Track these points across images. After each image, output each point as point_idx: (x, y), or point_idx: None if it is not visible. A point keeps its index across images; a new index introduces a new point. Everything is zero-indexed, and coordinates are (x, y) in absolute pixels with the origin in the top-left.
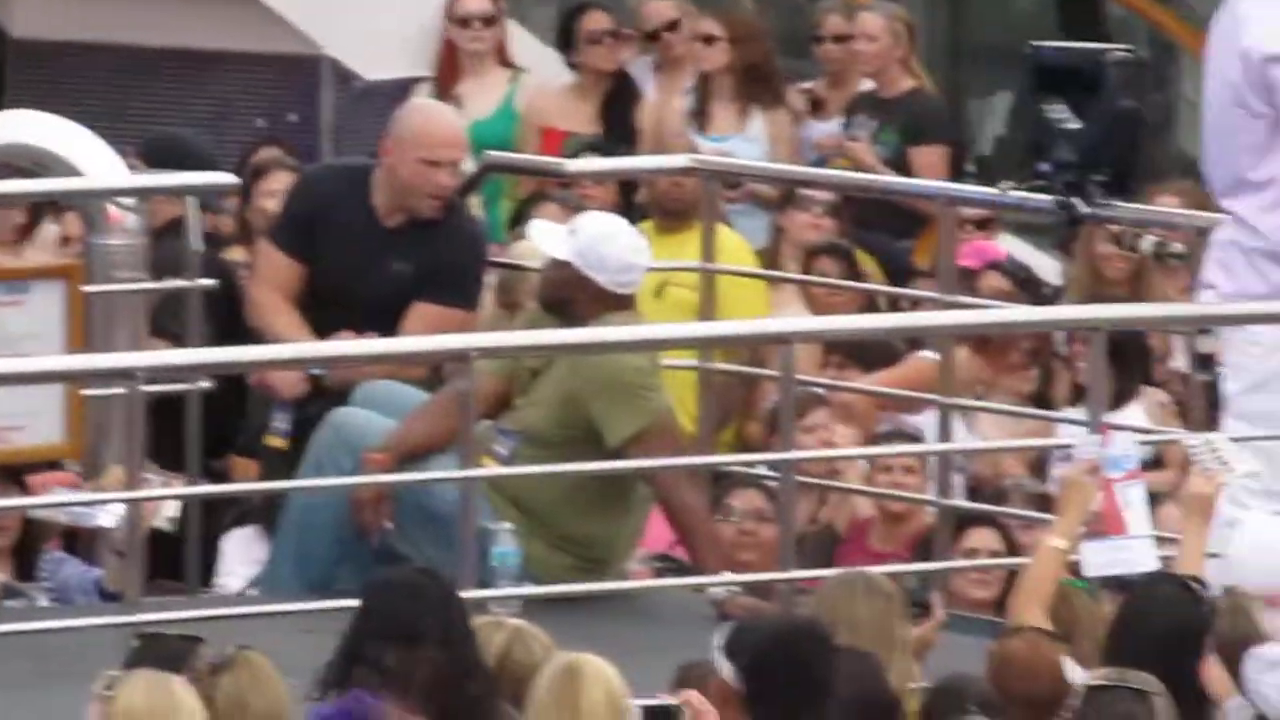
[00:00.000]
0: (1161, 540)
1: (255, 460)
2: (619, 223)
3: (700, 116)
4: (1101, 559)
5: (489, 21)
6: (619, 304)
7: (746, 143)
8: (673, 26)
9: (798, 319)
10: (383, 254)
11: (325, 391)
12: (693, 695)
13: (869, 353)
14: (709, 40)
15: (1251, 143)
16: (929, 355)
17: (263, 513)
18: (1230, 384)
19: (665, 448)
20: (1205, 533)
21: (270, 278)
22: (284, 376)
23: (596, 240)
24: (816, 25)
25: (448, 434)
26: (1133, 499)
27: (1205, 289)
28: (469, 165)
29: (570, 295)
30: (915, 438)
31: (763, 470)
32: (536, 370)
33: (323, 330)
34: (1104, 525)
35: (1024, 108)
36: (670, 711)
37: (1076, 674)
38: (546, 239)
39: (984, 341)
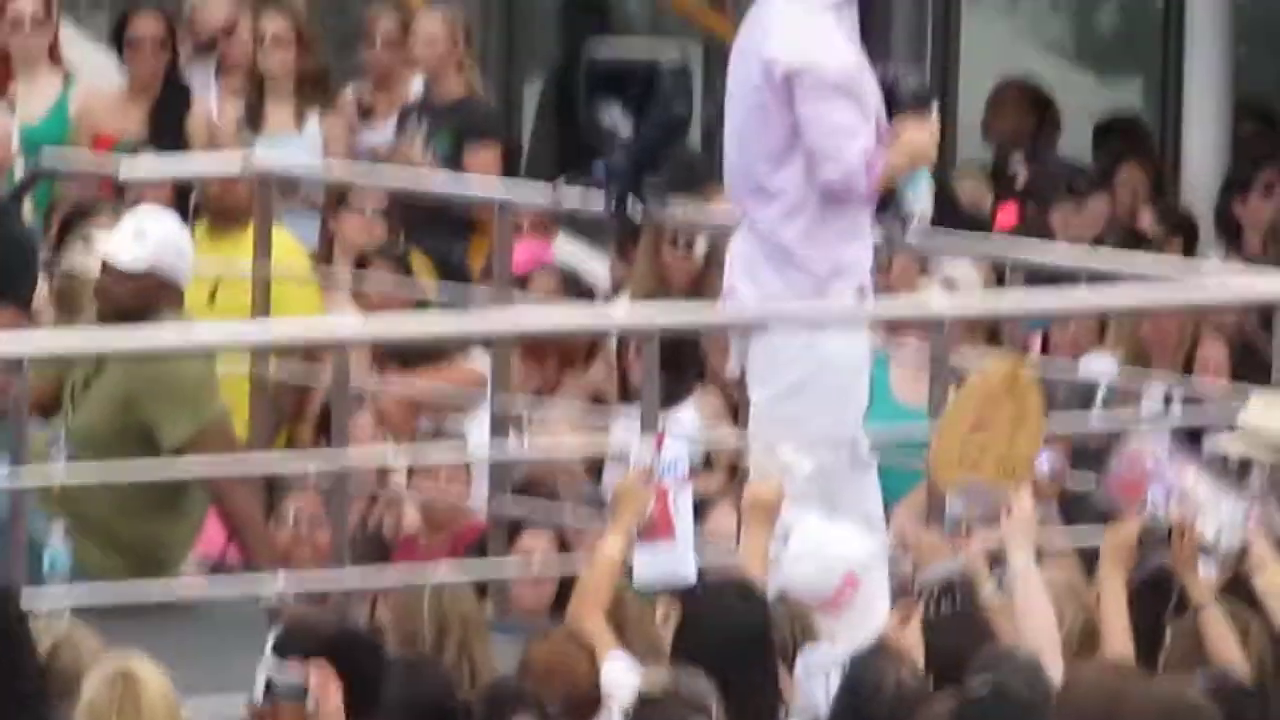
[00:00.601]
0: (719, 544)
1: None
2: (173, 217)
3: (255, 118)
4: (651, 566)
5: (40, 23)
6: (182, 301)
7: (302, 145)
8: (229, 30)
9: (351, 321)
10: None
11: None
12: None
13: (410, 354)
14: (267, 40)
15: (769, 149)
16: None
17: None
18: (757, 391)
19: (221, 451)
20: (766, 536)
21: None
22: None
23: (170, 239)
24: (368, 26)
25: None
26: (681, 506)
27: (729, 294)
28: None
29: (151, 302)
30: (457, 438)
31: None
32: (89, 375)
33: None
34: (655, 531)
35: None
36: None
37: (626, 675)
38: (116, 249)
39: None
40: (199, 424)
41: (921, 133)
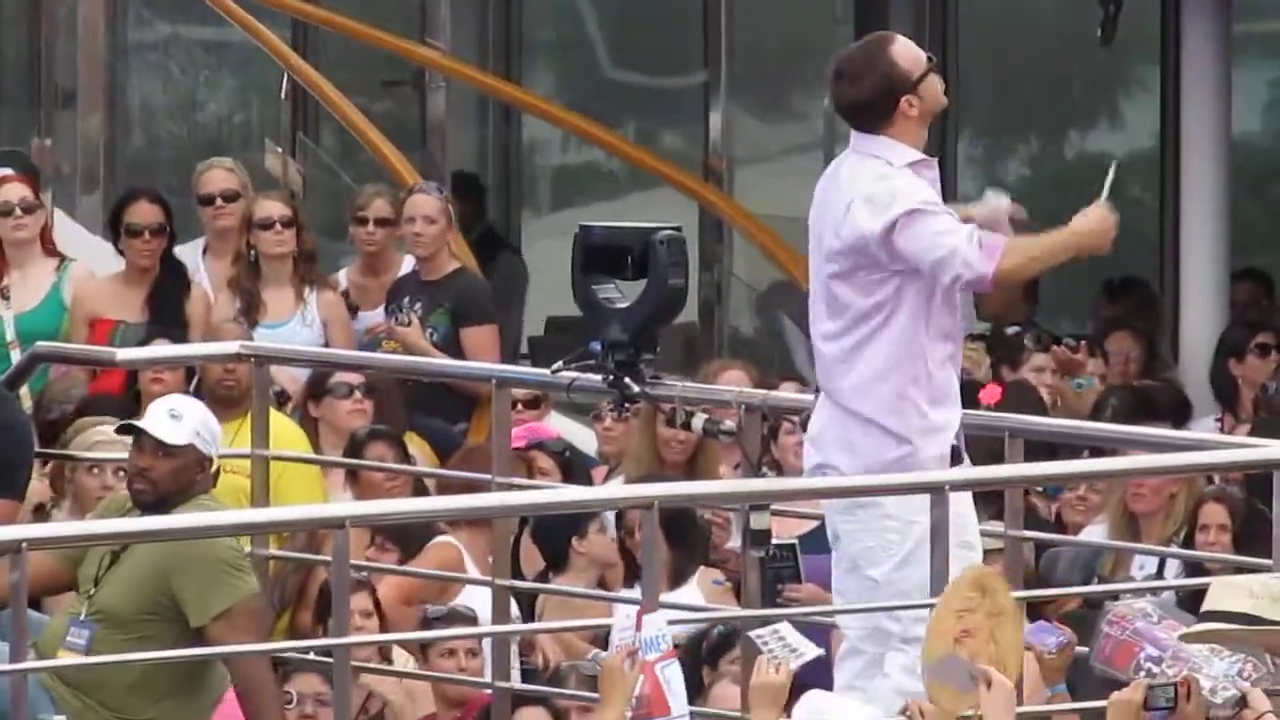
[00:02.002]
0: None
1: None
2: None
3: (253, 304)
4: None
5: (29, 209)
6: (212, 479)
7: (305, 327)
8: (231, 197)
9: (352, 504)
10: None
11: None
12: None
13: (407, 536)
14: (267, 225)
15: (851, 319)
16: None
17: None
18: (874, 570)
19: (251, 629)
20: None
21: None
22: None
23: (204, 417)
24: (360, 208)
25: None
26: (671, 678)
27: (825, 469)
28: (17, 355)
29: (190, 480)
30: (470, 619)
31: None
32: (117, 553)
33: None
34: (650, 708)
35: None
36: None
37: None
38: (157, 428)
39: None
40: (232, 600)
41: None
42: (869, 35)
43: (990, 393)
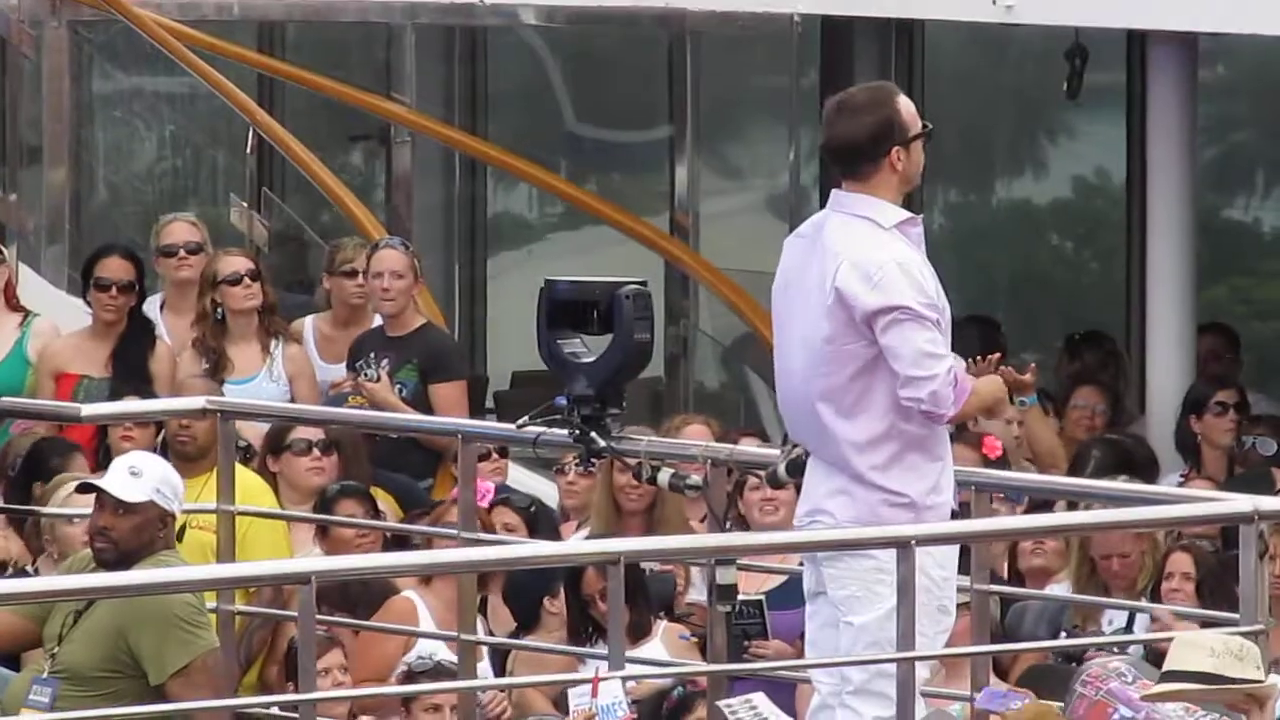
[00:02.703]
0: None
1: None
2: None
3: (219, 361)
4: None
5: None
6: (174, 534)
7: (271, 382)
8: (195, 249)
9: (318, 559)
10: None
11: None
12: None
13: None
14: (234, 281)
15: (839, 383)
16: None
17: None
18: (855, 617)
19: (208, 685)
20: None
21: None
22: None
23: (166, 472)
24: (347, 260)
25: None
26: None
27: (816, 517)
28: None
29: (151, 536)
30: (453, 673)
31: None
32: (80, 611)
33: None
34: None
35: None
36: None
37: None
38: (117, 487)
39: None
40: (189, 656)
41: (997, 381)
42: (874, 82)
43: (992, 445)
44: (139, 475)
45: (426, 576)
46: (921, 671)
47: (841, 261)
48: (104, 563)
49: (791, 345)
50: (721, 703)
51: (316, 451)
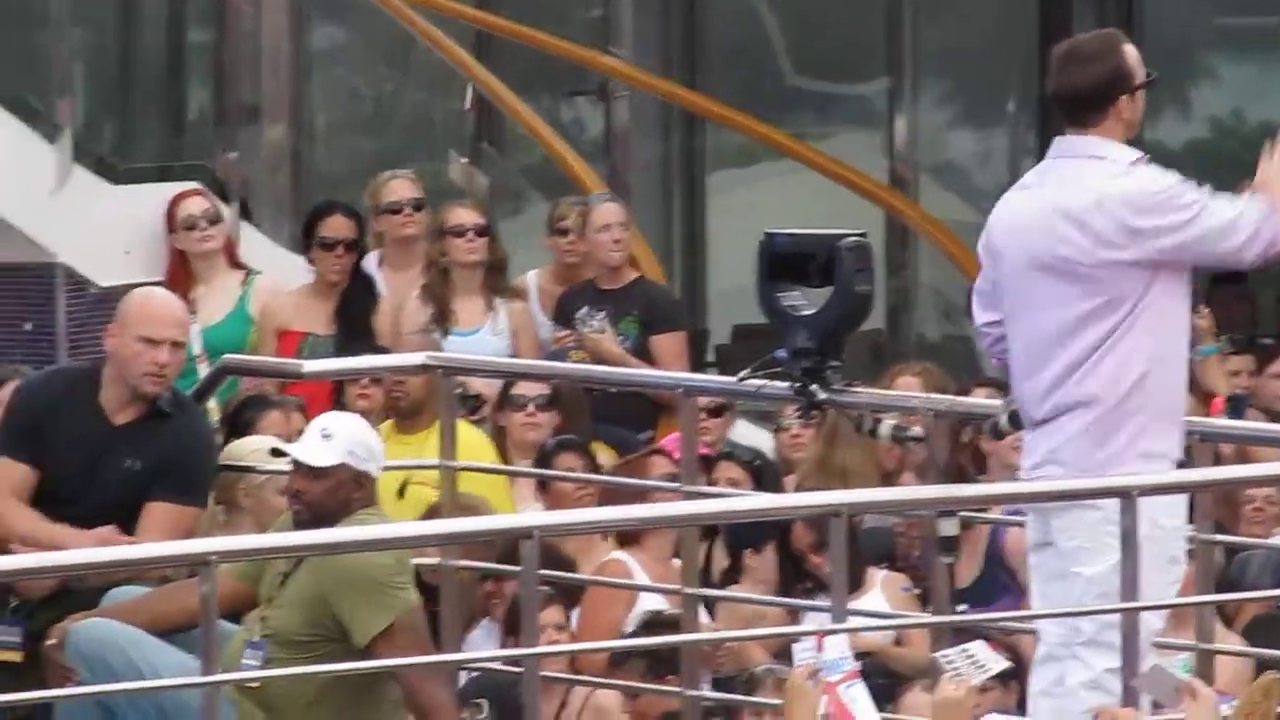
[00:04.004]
0: None
1: None
2: (351, 414)
3: (443, 313)
4: None
5: (213, 221)
6: (375, 494)
7: (494, 336)
8: (418, 206)
9: (541, 514)
10: (113, 452)
11: (71, 594)
12: None
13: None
14: (459, 233)
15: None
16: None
17: None
18: (1084, 568)
19: (413, 644)
20: None
21: (7, 487)
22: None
23: (357, 434)
24: (560, 219)
25: (180, 614)
26: (857, 697)
27: (1042, 469)
28: (205, 368)
29: (346, 498)
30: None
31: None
32: (286, 574)
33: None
34: None
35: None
36: None
37: None
38: (306, 453)
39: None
40: (389, 617)
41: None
42: (1099, 30)
43: (1218, 406)
44: (330, 438)
45: (634, 535)
46: (1155, 623)
47: (1100, 198)
48: (300, 525)
49: (1026, 294)
50: (938, 653)
51: (532, 407)
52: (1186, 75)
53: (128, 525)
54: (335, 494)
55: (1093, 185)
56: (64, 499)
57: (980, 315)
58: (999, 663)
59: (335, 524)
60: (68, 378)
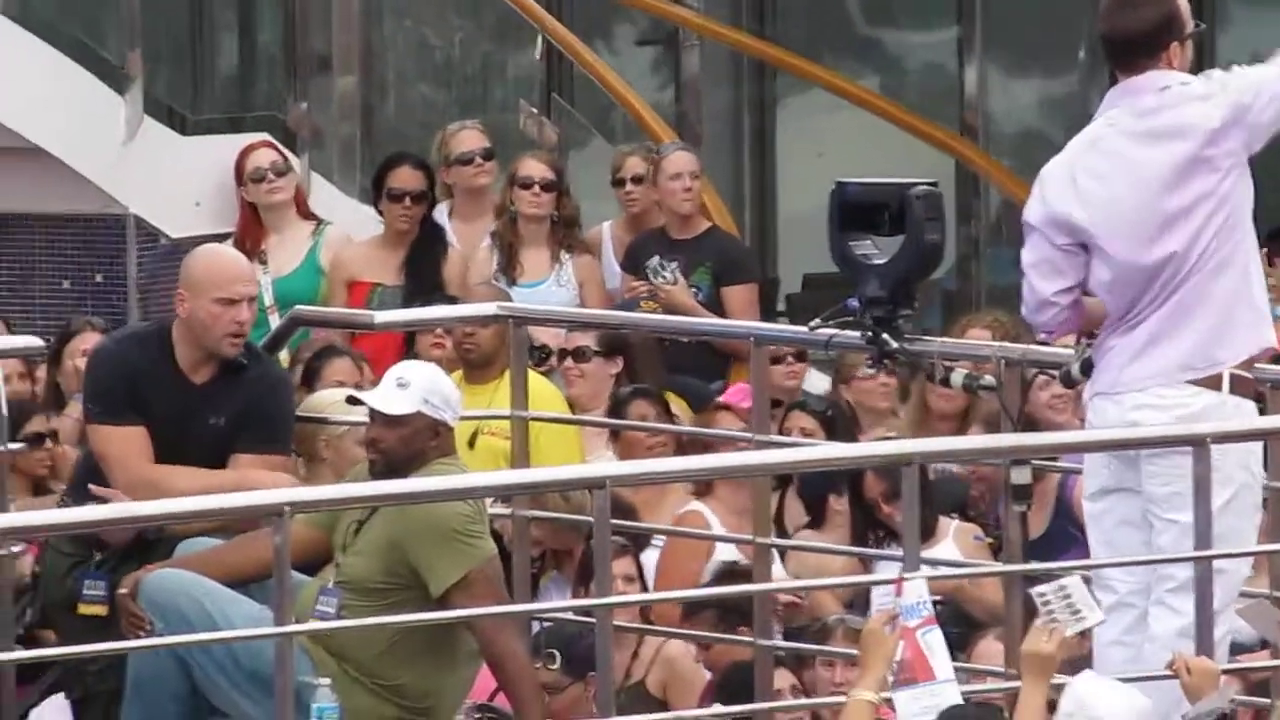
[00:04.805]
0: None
1: (53, 629)
2: (432, 366)
3: (511, 264)
4: (915, 706)
5: (281, 173)
6: (452, 444)
7: (560, 287)
8: (489, 155)
9: (613, 463)
10: (197, 411)
11: (154, 545)
12: None
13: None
14: (526, 185)
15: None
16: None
17: (71, 682)
18: (1179, 514)
19: (489, 594)
20: (1042, 692)
21: (137, 452)
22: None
23: (434, 382)
24: (615, 169)
25: (253, 565)
26: (933, 644)
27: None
28: (276, 319)
29: (421, 447)
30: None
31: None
32: (361, 521)
33: None
34: (913, 673)
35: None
36: None
37: None
38: (380, 401)
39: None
40: (466, 567)
41: None
42: None
43: None
44: (406, 386)
45: (707, 484)
46: (1244, 569)
47: (1181, 111)
48: (377, 474)
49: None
50: (1034, 590)
51: (570, 361)
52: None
53: None
54: (411, 443)
55: (1179, 106)
56: (158, 461)
57: (1049, 284)
58: (1094, 611)
59: (411, 473)
60: (140, 341)
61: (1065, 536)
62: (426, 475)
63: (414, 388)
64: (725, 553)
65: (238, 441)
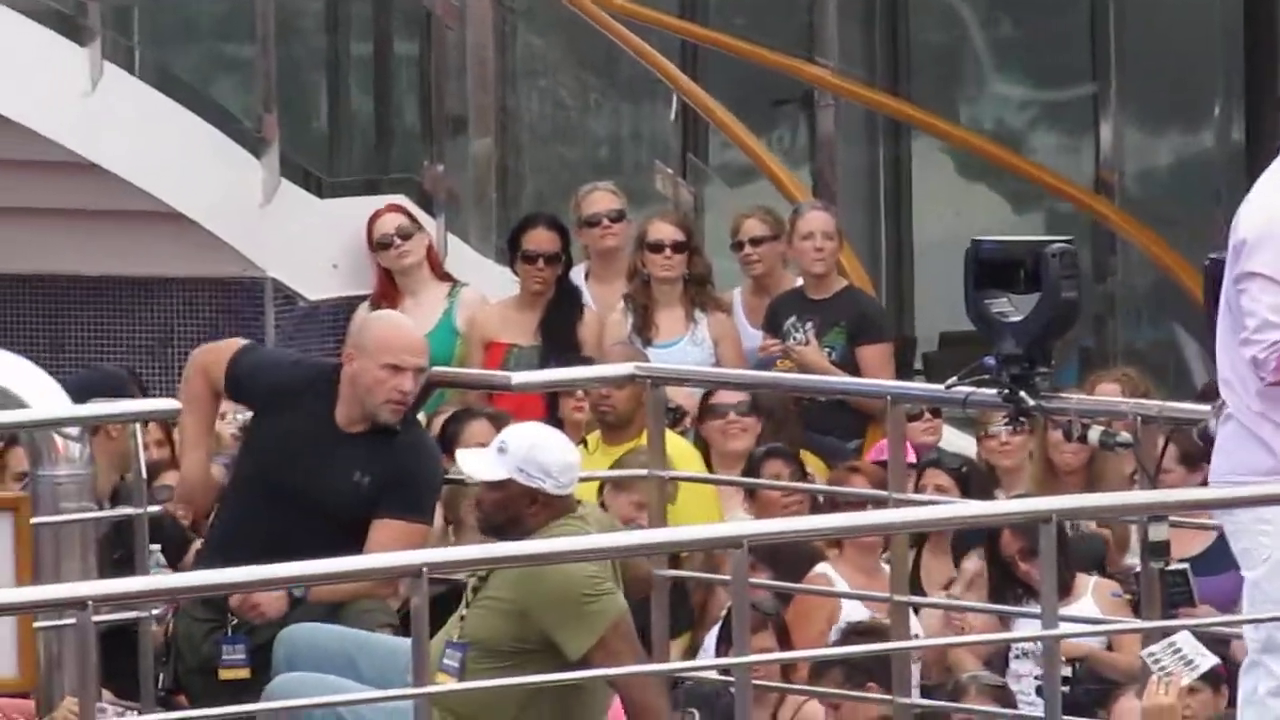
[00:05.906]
0: None
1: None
2: (542, 427)
3: (645, 324)
4: None
5: (407, 235)
6: (565, 506)
7: (695, 346)
8: (617, 217)
9: (750, 523)
10: (343, 463)
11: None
12: None
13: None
14: (657, 249)
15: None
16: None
17: None
18: (1249, 573)
19: (626, 649)
20: None
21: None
22: (267, 596)
23: (532, 450)
24: (733, 231)
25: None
26: None
27: (1227, 478)
28: None
29: (517, 513)
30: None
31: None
32: (478, 582)
33: (277, 526)
34: None
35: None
36: None
37: None
38: (475, 465)
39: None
40: (598, 631)
41: None
42: None
43: None
44: (504, 452)
45: (835, 545)
46: None
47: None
48: (483, 532)
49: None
50: (1144, 651)
51: (733, 414)
52: None
53: (343, 537)
54: (506, 507)
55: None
56: (286, 494)
57: None
58: (1206, 658)
59: (520, 535)
60: (310, 373)
61: (1228, 553)
62: (547, 536)
63: (510, 454)
64: (854, 612)
65: (380, 506)
